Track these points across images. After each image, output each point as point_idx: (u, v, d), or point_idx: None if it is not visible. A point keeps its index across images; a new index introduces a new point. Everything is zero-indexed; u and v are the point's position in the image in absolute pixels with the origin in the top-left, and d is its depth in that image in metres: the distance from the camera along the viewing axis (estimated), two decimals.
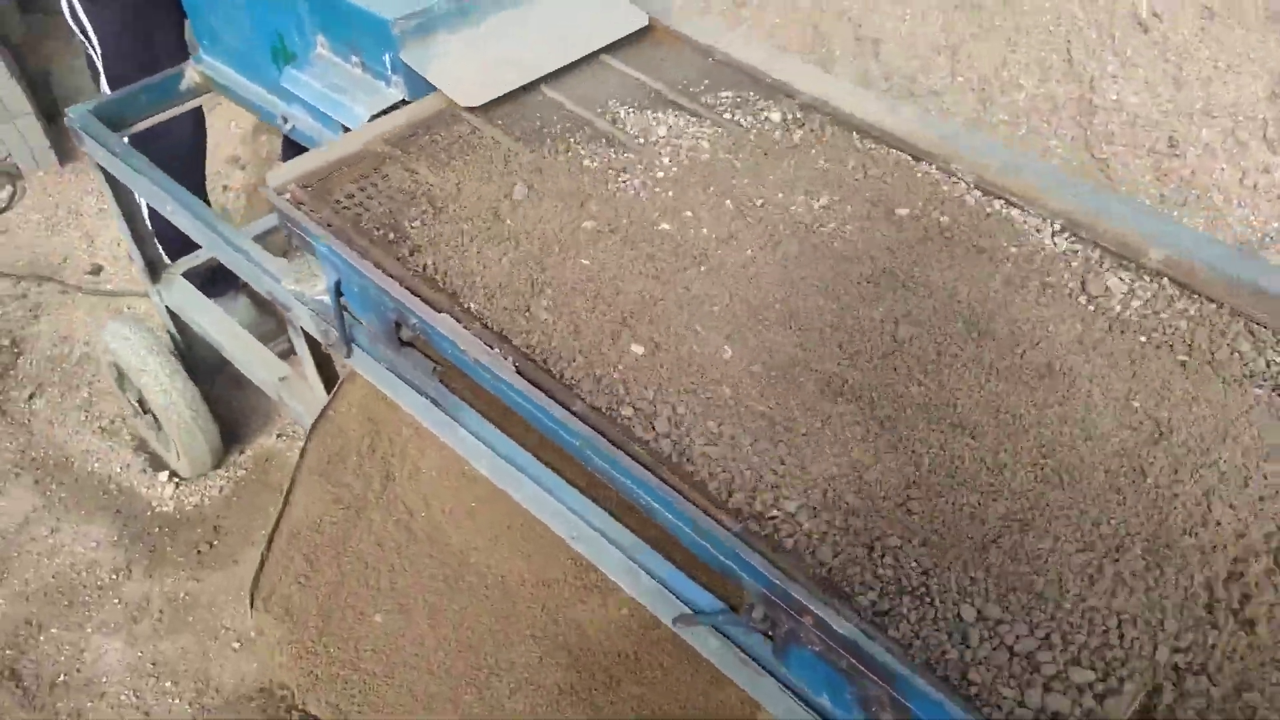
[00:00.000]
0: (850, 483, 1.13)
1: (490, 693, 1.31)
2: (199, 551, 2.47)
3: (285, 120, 1.98)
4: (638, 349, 1.27)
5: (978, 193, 1.52)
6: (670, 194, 1.50)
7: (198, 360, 2.58)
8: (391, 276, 1.35)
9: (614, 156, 1.56)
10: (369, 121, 1.64)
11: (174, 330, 2.54)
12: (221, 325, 2.25)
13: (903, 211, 1.48)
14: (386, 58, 1.65)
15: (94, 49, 2.25)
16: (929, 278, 1.38)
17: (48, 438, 2.73)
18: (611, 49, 1.79)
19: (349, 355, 1.57)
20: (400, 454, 1.50)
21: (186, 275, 2.44)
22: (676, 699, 1.34)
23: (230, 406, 2.75)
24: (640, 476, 1.10)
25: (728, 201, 1.49)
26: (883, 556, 1.06)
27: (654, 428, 1.17)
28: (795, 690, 1.13)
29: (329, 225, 1.42)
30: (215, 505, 2.58)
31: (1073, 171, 2.81)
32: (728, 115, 1.66)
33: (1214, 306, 1.35)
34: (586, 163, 1.55)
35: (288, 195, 1.48)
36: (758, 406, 1.21)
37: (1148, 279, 1.39)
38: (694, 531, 1.08)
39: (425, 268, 1.37)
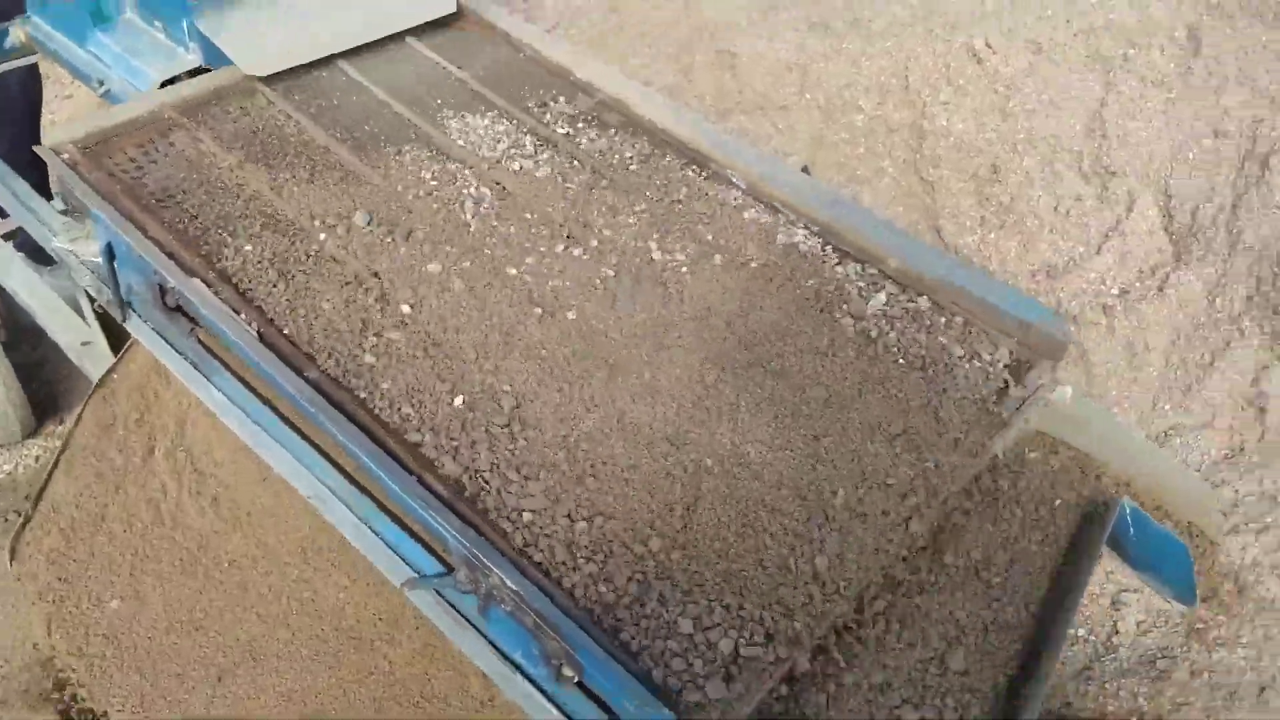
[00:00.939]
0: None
1: (215, 669, 1.35)
2: (5, 520, 2.43)
3: (100, 84, 1.98)
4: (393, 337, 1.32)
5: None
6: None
7: (19, 326, 2.54)
8: (153, 240, 1.37)
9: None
10: (160, 87, 1.67)
11: None
12: (31, 289, 2.22)
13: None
14: (184, 24, 1.68)
15: None
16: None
17: None
18: (418, 32, 1.84)
19: (124, 319, 1.58)
20: (164, 428, 1.52)
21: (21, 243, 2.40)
22: (432, 658, 1.38)
23: (57, 372, 2.70)
24: (359, 441, 1.16)
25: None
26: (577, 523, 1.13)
27: (376, 395, 1.23)
28: (498, 648, 1.19)
29: (99, 188, 1.44)
30: (29, 474, 2.53)
31: (902, 192, 2.96)
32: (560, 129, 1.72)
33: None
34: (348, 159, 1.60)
35: (65, 155, 1.50)
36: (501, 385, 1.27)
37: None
38: (403, 493, 1.13)
39: (190, 235, 1.40)
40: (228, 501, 1.43)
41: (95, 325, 1.78)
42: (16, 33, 2.20)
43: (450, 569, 1.27)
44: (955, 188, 2.90)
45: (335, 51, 1.72)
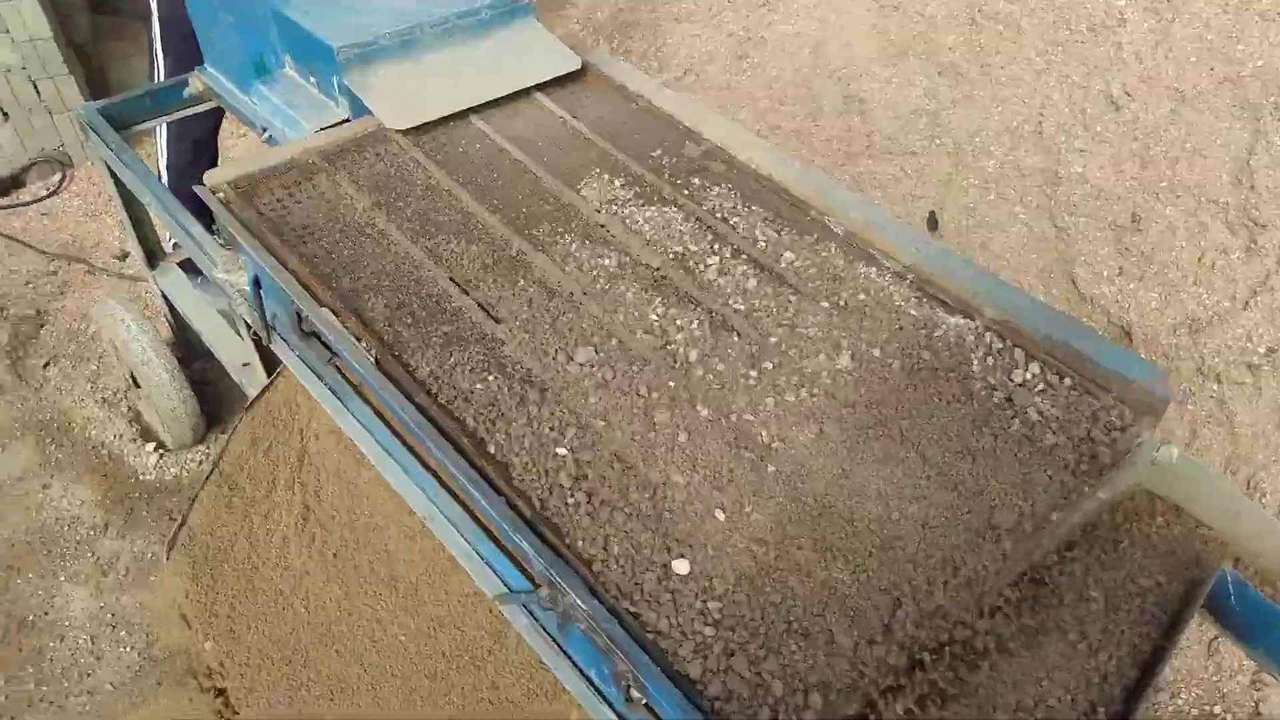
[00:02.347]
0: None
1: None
2: (170, 518, 2.67)
3: (264, 130, 2.19)
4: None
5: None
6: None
7: (191, 343, 2.80)
8: (291, 272, 1.53)
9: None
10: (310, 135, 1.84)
11: (168, 314, 2.77)
12: (201, 311, 2.46)
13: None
14: (334, 80, 1.85)
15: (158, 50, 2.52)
16: None
17: (54, 403, 2.98)
18: (544, 88, 1.97)
19: (269, 342, 1.75)
20: (287, 460, 1.66)
21: (187, 265, 2.66)
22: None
23: (220, 387, 2.96)
24: (457, 463, 1.26)
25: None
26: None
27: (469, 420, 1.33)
28: (576, 664, 1.27)
29: (247, 225, 1.61)
30: (192, 477, 2.78)
31: (1034, 238, 2.90)
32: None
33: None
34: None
35: (220, 195, 1.68)
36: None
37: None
38: (492, 510, 1.22)
39: (323, 269, 1.55)
40: (321, 541, 1.55)
41: (251, 348, 1.97)
42: (195, 82, 2.46)
43: (536, 586, 1.36)
44: (1092, 236, 2.84)
45: (469, 105, 1.86)
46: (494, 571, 1.39)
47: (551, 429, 1.33)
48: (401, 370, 1.39)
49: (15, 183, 3.86)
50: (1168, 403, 1.40)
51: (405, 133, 1.82)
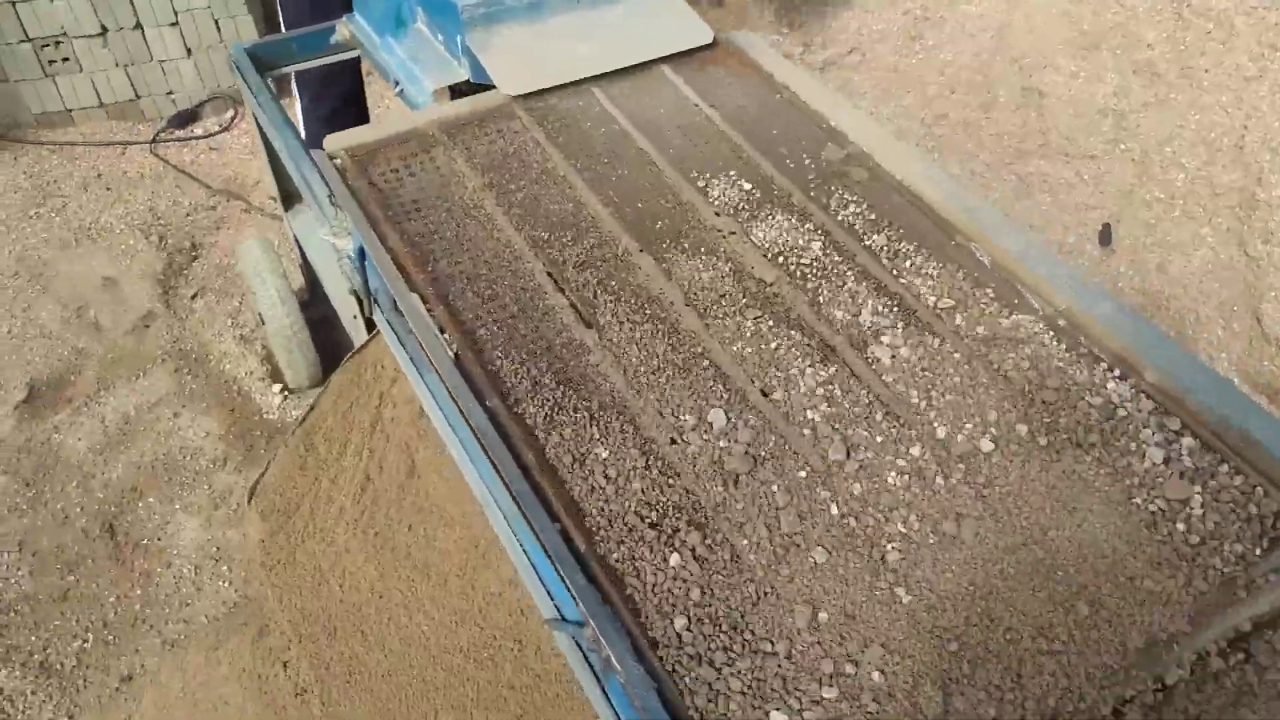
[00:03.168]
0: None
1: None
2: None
3: (396, 84, 2.16)
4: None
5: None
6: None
7: (318, 287, 2.84)
8: (389, 250, 1.48)
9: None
10: (430, 95, 1.79)
11: (300, 256, 2.81)
12: (324, 258, 2.48)
13: None
14: (458, 39, 1.78)
15: None
16: None
17: (196, 334, 3.09)
18: (671, 61, 1.85)
19: (369, 311, 1.72)
20: (360, 424, 1.64)
21: None
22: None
23: (343, 333, 3.01)
24: (514, 478, 1.18)
25: None
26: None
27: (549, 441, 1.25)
28: (613, 707, 1.18)
29: (356, 195, 1.57)
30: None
31: (1220, 265, 2.60)
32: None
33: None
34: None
35: (337, 161, 1.64)
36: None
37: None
38: (541, 535, 1.15)
39: (425, 249, 1.50)
40: (369, 516, 1.51)
41: (356, 305, 1.95)
42: (342, 30, 2.46)
43: (584, 624, 1.28)
44: None
45: (590, 75, 1.76)
46: (549, 593, 1.32)
47: (625, 458, 1.24)
48: (479, 369, 1.33)
49: (192, 116, 4.02)
50: None
51: (528, 108, 1.74)
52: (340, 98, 2.76)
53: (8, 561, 2.43)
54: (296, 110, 2.85)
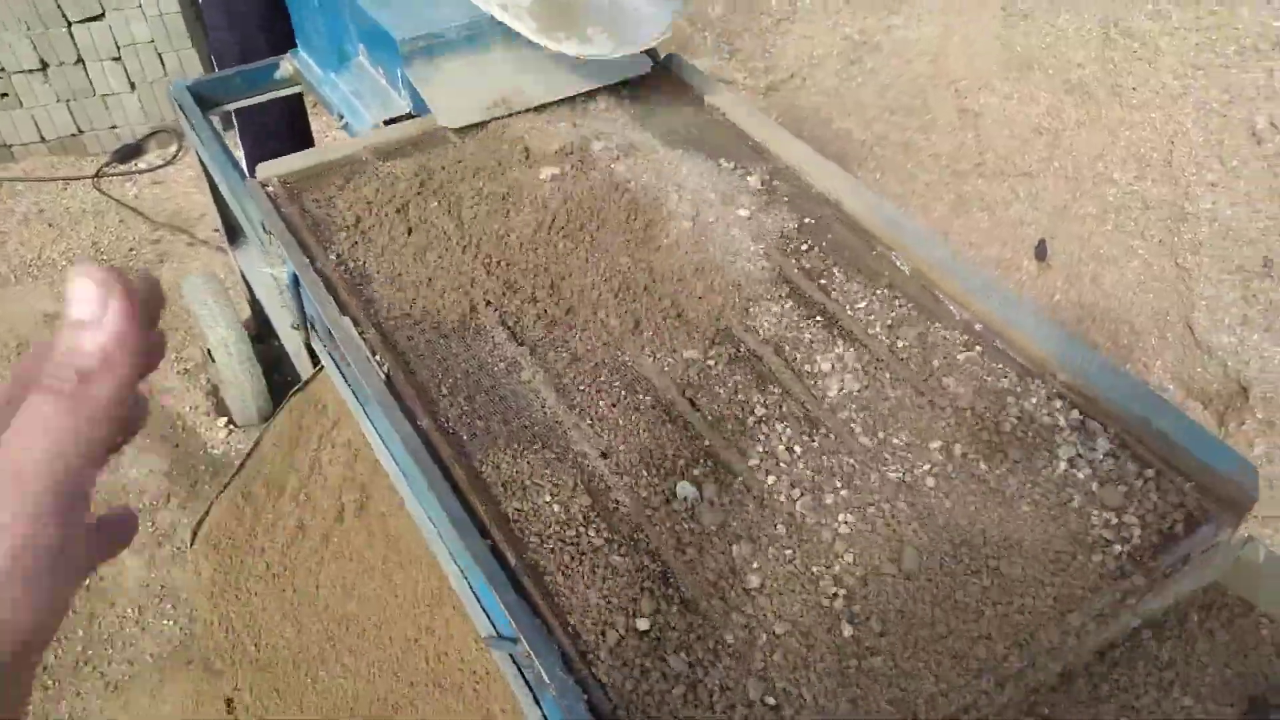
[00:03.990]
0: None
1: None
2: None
3: (341, 117, 2.17)
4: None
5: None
6: None
7: (268, 322, 2.82)
8: (320, 274, 1.48)
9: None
10: (371, 129, 1.80)
11: (248, 291, 2.79)
12: (268, 290, 2.47)
13: None
14: (399, 72, 1.80)
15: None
16: None
17: None
18: (616, 91, 1.87)
19: (307, 339, 1.72)
20: (300, 465, 1.63)
21: None
22: None
23: (292, 368, 2.99)
24: (446, 499, 1.18)
25: None
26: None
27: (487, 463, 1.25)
28: None
29: (287, 222, 1.57)
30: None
31: (1151, 276, 2.66)
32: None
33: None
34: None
35: (270, 189, 1.64)
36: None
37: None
38: (471, 558, 1.15)
39: (355, 274, 1.50)
40: (293, 570, 1.51)
41: (300, 339, 1.95)
42: (286, 65, 2.46)
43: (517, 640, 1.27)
44: (1216, 279, 2.59)
45: (529, 106, 1.78)
46: (485, 611, 1.32)
47: (553, 470, 1.24)
48: (411, 390, 1.33)
49: (135, 151, 4.00)
50: (1254, 502, 1.22)
51: (461, 133, 1.75)
52: (284, 133, 2.76)
53: None
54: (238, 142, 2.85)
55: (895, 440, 1.29)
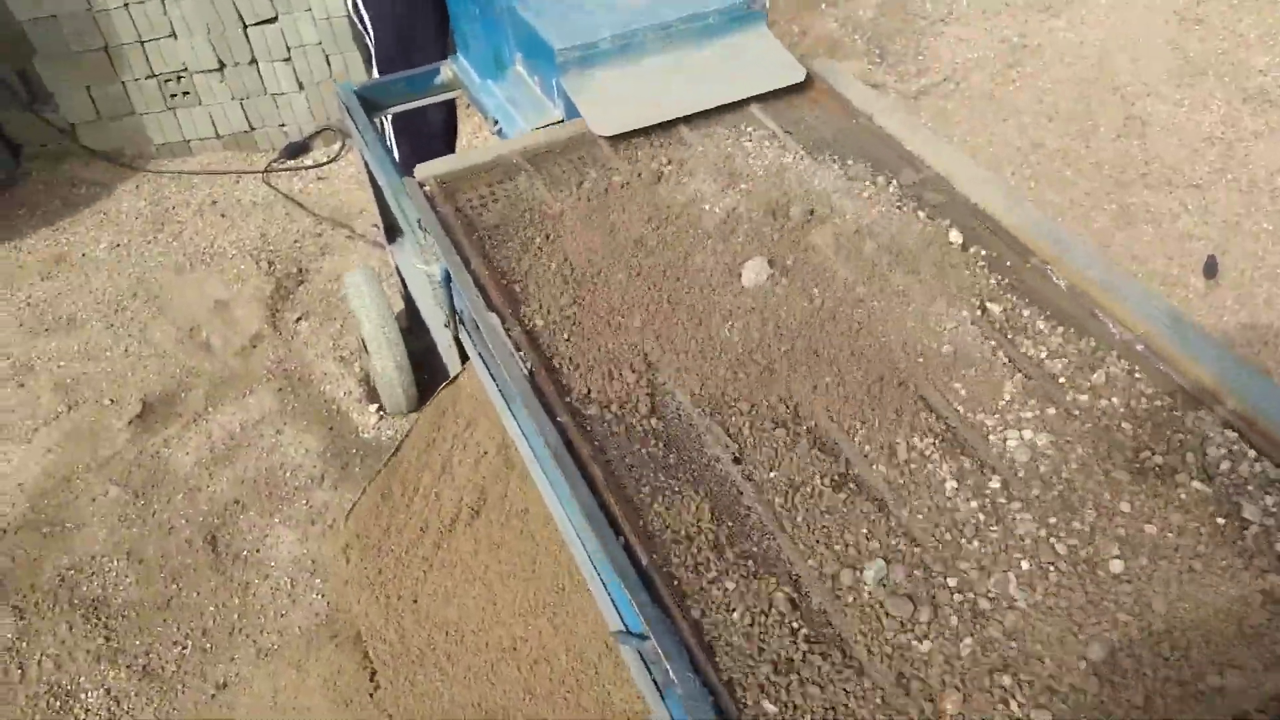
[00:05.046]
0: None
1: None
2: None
3: (495, 123, 2.24)
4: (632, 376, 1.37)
5: None
6: None
7: (419, 316, 2.94)
8: (471, 273, 1.53)
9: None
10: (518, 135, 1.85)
11: (402, 287, 2.91)
12: (424, 289, 2.56)
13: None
14: (554, 81, 1.84)
15: (369, 39, 2.65)
16: None
17: (300, 355, 3.23)
18: (765, 101, 1.87)
19: (456, 334, 1.78)
20: (439, 460, 1.68)
21: None
22: None
23: (441, 362, 3.10)
24: (580, 490, 1.21)
25: None
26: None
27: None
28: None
29: (442, 221, 1.63)
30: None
31: None
32: None
33: None
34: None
35: (426, 188, 1.71)
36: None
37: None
38: (603, 550, 1.17)
39: (505, 272, 1.55)
40: (413, 578, 1.56)
41: (450, 335, 2.02)
42: (446, 71, 2.56)
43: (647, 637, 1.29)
44: None
45: (677, 115, 1.80)
46: (615, 606, 1.34)
47: (686, 479, 1.25)
48: (553, 386, 1.36)
49: (302, 148, 4.22)
50: None
51: (613, 142, 1.78)
52: (437, 135, 2.87)
53: (117, 569, 2.57)
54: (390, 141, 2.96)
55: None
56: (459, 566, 1.51)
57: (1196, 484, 1.20)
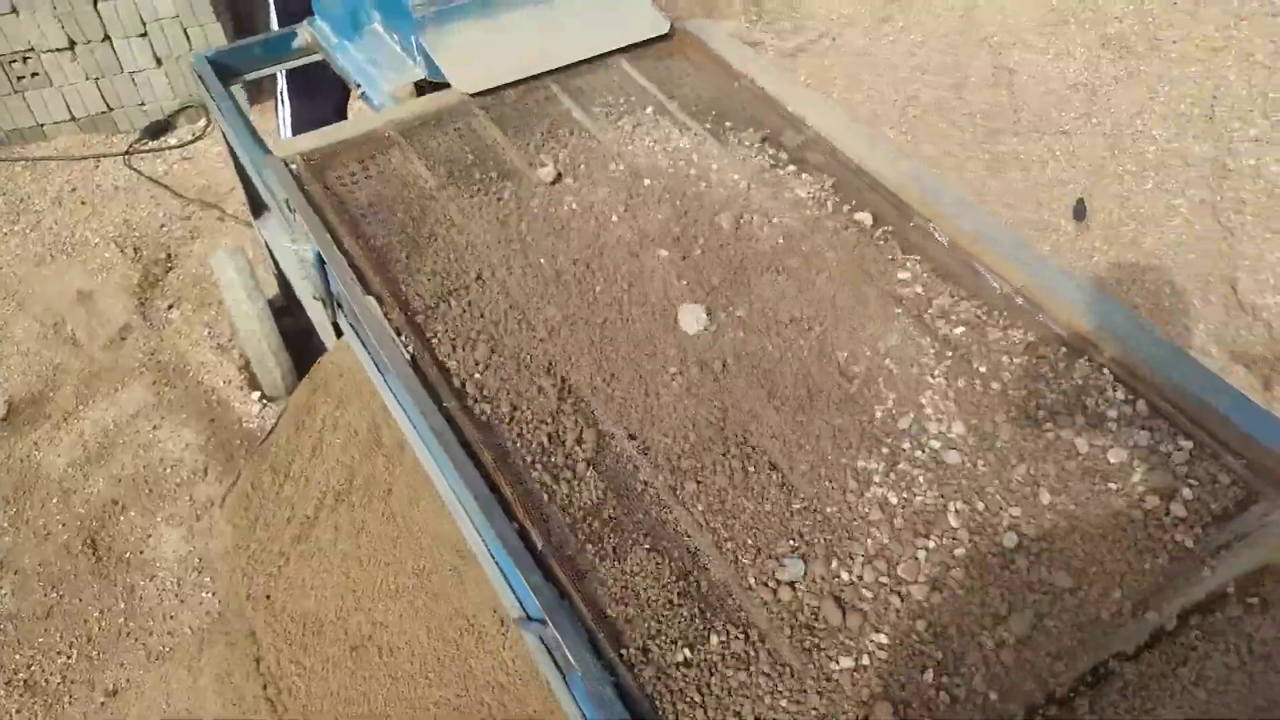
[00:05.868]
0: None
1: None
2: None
3: (359, 86, 2.14)
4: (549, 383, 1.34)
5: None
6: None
7: (294, 296, 2.83)
8: (345, 253, 1.47)
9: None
10: (390, 98, 1.77)
11: (273, 264, 2.80)
12: (292, 264, 2.46)
13: None
14: (413, 39, 1.77)
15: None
16: None
17: (173, 345, 3.08)
18: (629, 52, 1.83)
19: (333, 317, 1.71)
20: (327, 435, 1.63)
21: None
22: None
23: (317, 340, 3.00)
24: (471, 479, 1.18)
25: None
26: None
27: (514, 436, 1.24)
28: (578, 705, 1.18)
29: (310, 200, 1.56)
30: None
31: (1193, 236, 2.59)
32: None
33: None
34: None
35: (293, 166, 1.63)
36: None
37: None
38: (497, 542, 1.14)
39: (381, 252, 1.49)
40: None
41: (325, 315, 1.94)
42: (303, 34, 2.44)
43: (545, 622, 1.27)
44: (1261, 238, 2.52)
45: (545, 69, 1.75)
46: (514, 592, 1.31)
47: (582, 448, 1.23)
48: (436, 370, 1.32)
49: (164, 127, 4.00)
50: None
51: (484, 105, 1.73)
52: (327, 103, 2.75)
53: None
54: (285, 115, 2.82)
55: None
56: (317, 556, 1.47)
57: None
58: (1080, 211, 2.77)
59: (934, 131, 3.01)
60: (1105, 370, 1.31)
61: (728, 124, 1.72)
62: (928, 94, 3.09)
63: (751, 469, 1.21)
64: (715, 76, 1.84)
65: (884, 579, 1.11)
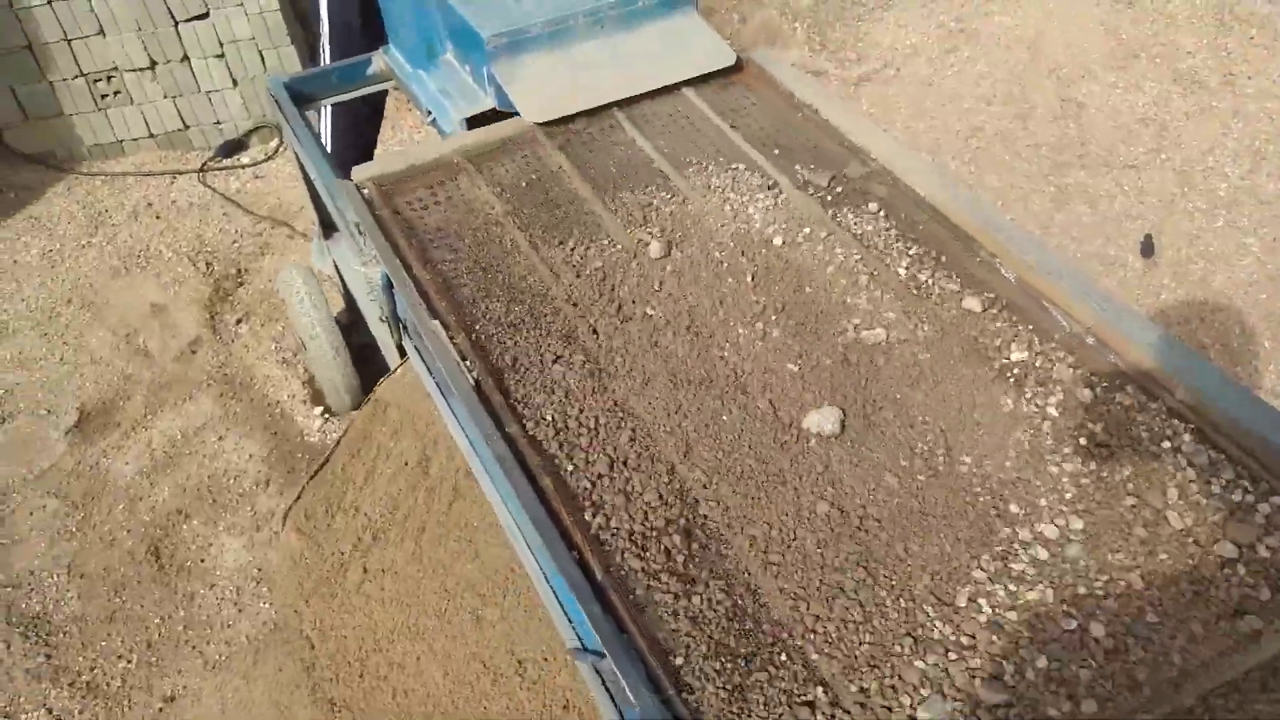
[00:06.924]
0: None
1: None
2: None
3: (429, 114, 2.19)
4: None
5: None
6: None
7: (360, 313, 2.88)
8: (413, 279, 1.50)
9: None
10: (460, 127, 1.81)
11: (341, 283, 2.86)
12: (360, 283, 2.52)
13: None
14: (485, 70, 1.81)
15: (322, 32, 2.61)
16: None
17: (241, 359, 3.16)
18: (700, 87, 1.85)
19: (399, 338, 1.75)
20: (380, 463, 1.66)
21: None
22: None
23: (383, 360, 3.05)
24: (532, 506, 1.19)
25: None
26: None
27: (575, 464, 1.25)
28: None
29: (381, 224, 1.60)
30: None
31: (1265, 276, 2.53)
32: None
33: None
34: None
35: (365, 191, 1.67)
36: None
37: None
38: (556, 566, 1.15)
39: (448, 277, 1.52)
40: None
41: (391, 335, 1.98)
42: (378, 62, 2.51)
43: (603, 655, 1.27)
44: None
45: (612, 100, 1.78)
46: (570, 622, 1.32)
47: (649, 491, 1.24)
48: (500, 396, 1.34)
49: (238, 146, 4.11)
50: None
51: (550, 133, 1.76)
52: (363, 118, 2.82)
53: (58, 584, 2.49)
54: (325, 116, 2.89)
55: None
56: (338, 598, 1.50)
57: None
58: (1148, 248, 2.72)
59: (998, 163, 2.98)
60: (1175, 415, 1.28)
61: (797, 167, 1.72)
62: (993, 125, 3.07)
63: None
64: (777, 105, 1.85)
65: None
